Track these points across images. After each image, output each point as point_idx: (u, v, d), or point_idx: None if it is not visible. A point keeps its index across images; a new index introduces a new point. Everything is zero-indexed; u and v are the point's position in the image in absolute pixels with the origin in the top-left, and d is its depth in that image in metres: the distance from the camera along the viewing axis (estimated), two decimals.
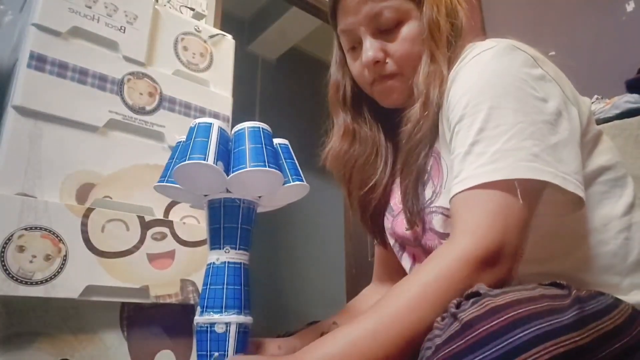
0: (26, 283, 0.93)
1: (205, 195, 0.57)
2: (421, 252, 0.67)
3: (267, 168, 0.52)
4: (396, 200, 0.71)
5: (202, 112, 1.31)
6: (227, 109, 1.37)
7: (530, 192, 0.50)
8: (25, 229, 0.95)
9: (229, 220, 0.55)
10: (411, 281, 0.48)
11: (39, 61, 1.04)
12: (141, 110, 1.19)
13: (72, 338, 1.02)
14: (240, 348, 0.52)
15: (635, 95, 1.25)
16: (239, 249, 0.55)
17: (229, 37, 1.46)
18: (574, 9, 1.51)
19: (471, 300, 0.40)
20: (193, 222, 1.23)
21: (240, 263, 0.55)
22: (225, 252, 0.54)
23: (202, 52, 1.37)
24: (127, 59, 1.19)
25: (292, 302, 2.98)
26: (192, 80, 1.31)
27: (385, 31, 0.65)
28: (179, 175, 0.53)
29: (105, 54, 1.16)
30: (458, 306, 0.41)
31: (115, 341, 1.08)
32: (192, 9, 1.52)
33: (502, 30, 0.77)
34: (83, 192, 1.07)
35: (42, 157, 1.02)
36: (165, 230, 1.15)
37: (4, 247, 0.92)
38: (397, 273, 0.77)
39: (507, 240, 0.47)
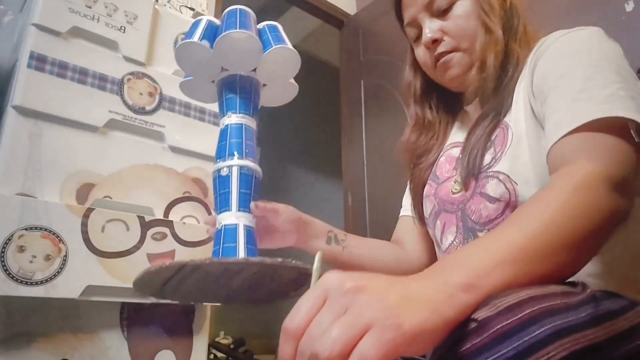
0: (26, 283, 0.93)
1: (222, 70, 0.65)
2: (454, 218, 0.70)
3: (237, 30, 0.59)
4: (443, 170, 0.76)
5: (202, 112, 1.31)
6: None
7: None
8: (26, 229, 0.95)
9: (228, 93, 0.64)
10: (553, 191, 0.48)
11: (39, 61, 1.04)
12: (141, 110, 1.19)
13: (72, 338, 1.02)
14: (244, 187, 0.60)
15: None
16: (238, 113, 0.63)
17: None
18: (572, 9, 1.51)
19: (483, 301, 0.40)
20: (193, 222, 1.23)
21: (241, 124, 0.63)
22: (228, 117, 0.62)
23: None
24: (127, 59, 1.19)
25: (292, 302, 2.98)
26: None
27: (442, 13, 0.71)
28: (180, 59, 0.62)
29: (105, 54, 1.16)
30: None
31: (115, 341, 1.08)
32: (192, 9, 1.52)
33: None
34: (83, 192, 1.07)
35: (42, 157, 1.02)
36: (165, 230, 1.15)
37: (4, 247, 0.92)
38: (415, 243, 0.84)
39: (629, 173, 0.48)
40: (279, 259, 0.48)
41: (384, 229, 0.85)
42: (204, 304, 1.21)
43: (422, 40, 0.74)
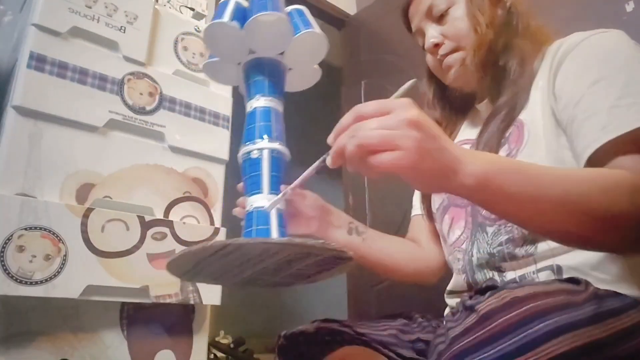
0: (26, 283, 0.93)
1: (239, 64, 0.65)
2: (463, 213, 0.72)
3: (268, 12, 0.58)
4: None
5: (202, 112, 1.31)
6: (227, 109, 1.37)
7: None
8: (25, 229, 0.95)
9: (256, 75, 0.63)
10: (604, 171, 0.51)
11: (39, 61, 1.04)
12: (141, 110, 1.19)
13: (72, 338, 1.02)
14: (275, 170, 0.59)
15: None
16: (267, 96, 0.62)
17: None
18: (572, 9, 1.51)
19: (488, 292, 0.41)
20: (193, 222, 1.23)
21: (269, 107, 0.62)
22: (256, 100, 0.62)
23: (202, 52, 1.37)
24: (127, 59, 1.19)
25: (292, 302, 2.98)
26: (192, 80, 1.31)
27: (440, 18, 0.76)
28: (209, 39, 0.62)
29: (105, 54, 1.16)
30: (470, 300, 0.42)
31: (115, 341, 1.08)
32: (192, 9, 1.52)
33: None
34: (83, 192, 1.07)
35: (42, 157, 1.02)
36: (165, 230, 1.15)
37: (3, 247, 0.92)
38: (427, 239, 0.87)
39: None
40: (320, 241, 0.49)
41: (384, 229, 0.85)
42: (205, 302, 1.21)
43: (425, 46, 0.78)
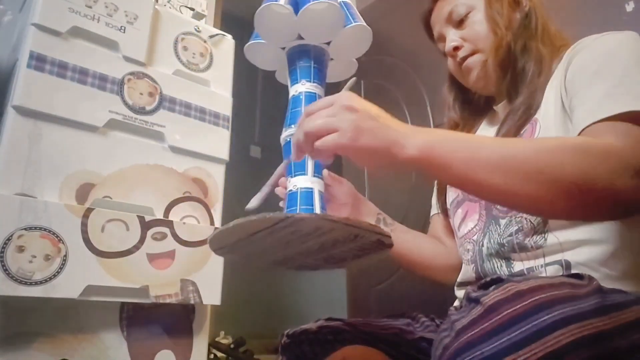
0: (26, 283, 0.93)
1: (283, 49, 0.67)
2: (477, 207, 0.74)
3: (324, 0, 0.60)
4: None
5: (202, 112, 1.31)
6: (227, 109, 1.37)
7: None
8: (25, 229, 0.95)
9: (303, 60, 0.65)
10: (563, 139, 0.54)
11: (39, 61, 1.04)
12: (141, 110, 1.19)
13: (71, 338, 1.02)
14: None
15: None
16: (312, 82, 0.64)
17: (229, 37, 1.45)
18: (572, 9, 1.51)
19: (493, 286, 0.41)
20: (193, 222, 1.23)
21: (315, 93, 0.64)
22: (302, 85, 0.64)
23: (202, 52, 1.37)
24: (127, 59, 1.19)
25: (292, 302, 2.98)
26: (192, 80, 1.31)
27: (460, 22, 0.79)
28: (260, 20, 0.63)
29: (105, 54, 1.16)
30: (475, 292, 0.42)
31: (115, 341, 1.08)
32: (192, 9, 1.52)
33: None
34: (83, 192, 1.07)
35: (42, 157, 1.02)
36: (165, 230, 1.15)
37: (3, 247, 0.92)
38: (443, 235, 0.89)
39: None
40: (372, 224, 0.52)
41: None
42: (205, 302, 1.21)
43: (445, 50, 0.80)
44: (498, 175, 0.47)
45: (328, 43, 0.67)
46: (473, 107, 0.87)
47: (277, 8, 0.62)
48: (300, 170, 0.61)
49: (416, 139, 0.49)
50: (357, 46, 0.68)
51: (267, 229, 0.50)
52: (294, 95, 0.64)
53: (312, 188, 0.60)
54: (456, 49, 0.79)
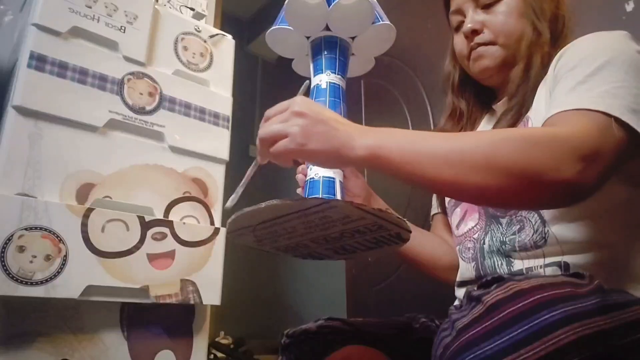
0: (26, 283, 0.93)
1: (308, 38, 0.68)
2: (476, 207, 0.74)
3: None
4: None
5: (202, 112, 1.31)
6: (227, 109, 1.37)
7: (621, 140, 0.52)
8: (26, 229, 0.95)
9: (329, 52, 0.66)
10: (509, 130, 0.56)
11: (39, 61, 1.04)
12: (141, 110, 1.19)
13: (72, 338, 1.02)
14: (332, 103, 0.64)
15: None
16: (337, 74, 0.65)
17: (229, 37, 1.45)
18: (573, 8, 1.51)
19: (494, 285, 0.41)
20: (193, 222, 1.23)
21: (339, 85, 0.65)
22: (327, 75, 0.65)
23: (202, 52, 1.37)
24: (127, 59, 1.19)
25: (292, 302, 2.98)
26: (192, 80, 1.31)
27: (487, 6, 0.75)
28: (291, 8, 0.65)
29: (105, 54, 1.16)
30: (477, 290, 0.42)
31: (115, 341, 1.08)
32: (192, 9, 1.52)
33: None
34: (83, 192, 1.07)
35: (42, 157, 1.02)
36: (165, 230, 1.15)
37: (4, 247, 0.92)
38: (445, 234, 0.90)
39: (601, 152, 0.49)
40: (396, 215, 0.53)
41: None
42: (205, 303, 1.21)
43: (463, 29, 0.77)
44: (445, 169, 0.48)
45: (353, 38, 0.67)
46: (475, 97, 0.85)
47: (276, 31, 0.64)
48: None
49: (364, 140, 0.50)
50: (380, 44, 0.69)
51: (299, 211, 0.52)
52: (317, 84, 0.65)
53: (334, 178, 0.62)
54: (474, 32, 0.75)
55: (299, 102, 0.52)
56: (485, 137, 0.50)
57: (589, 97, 0.54)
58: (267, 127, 0.52)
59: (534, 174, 0.47)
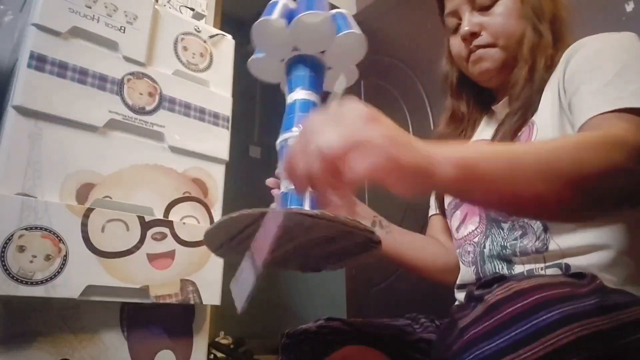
0: (26, 283, 0.93)
1: (282, 61, 0.68)
2: (476, 210, 0.73)
3: (314, 11, 0.60)
4: None
5: (202, 112, 1.31)
6: (227, 109, 1.37)
7: None
8: (26, 229, 0.95)
9: (298, 70, 0.66)
10: (575, 134, 0.53)
11: (39, 61, 1.04)
12: (141, 110, 1.19)
13: (72, 338, 1.02)
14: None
15: None
16: (307, 90, 0.65)
17: (229, 37, 1.45)
18: (573, 8, 1.51)
19: (495, 284, 0.41)
20: (193, 222, 1.23)
21: (309, 99, 0.64)
22: (296, 93, 0.65)
23: (202, 52, 1.37)
24: (127, 59, 1.19)
25: (292, 302, 2.98)
26: (192, 80, 1.31)
27: (483, 8, 0.74)
28: (257, 35, 0.65)
29: (105, 54, 1.16)
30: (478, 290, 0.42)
31: (115, 341, 1.08)
32: (192, 9, 1.52)
33: None
34: (83, 192, 1.07)
35: (42, 157, 1.02)
36: (165, 230, 1.15)
37: (4, 247, 0.92)
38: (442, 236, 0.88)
39: None
40: (352, 219, 0.48)
41: None
42: (205, 303, 1.21)
43: (460, 32, 0.76)
44: (539, 183, 0.43)
45: (326, 52, 0.68)
46: (474, 98, 0.85)
47: (272, 22, 0.63)
48: None
49: (449, 157, 0.41)
50: (351, 53, 0.68)
51: (251, 225, 0.49)
52: (289, 103, 0.66)
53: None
54: (472, 35, 0.74)
55: (357, 104, 0.39)
56: (566, 145, 0.47)
57: (622, 97, 0.55)
58: (329, 139, 0.36)
59: (600, 180, 0.45)
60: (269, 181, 0.69)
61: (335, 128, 0.37)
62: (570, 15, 0.76)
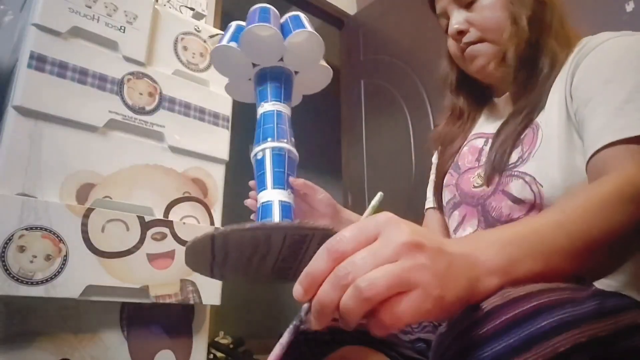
0: (27, 283, 0.93)
1: (254, 66, 0.68)
2: (475, 212, 0.71)
3: (257, 24, 0.61)
4: (465, 160, 0.77)
5: (202, 112, 1.31)
6: (227, 109, 1.37)
7: None
8: (26, 229, 0.95)
9: (259, 85, 0.68)
10: (592, 189, 0.50)
11: (39, 61, 1.04)
12: (141, 110, 1.19)
13: (72, 338, 1.02)
14: (277, 166, 0.63)
15: None
16: (270, 101, 0.66)
17: None
18: (572, 9, 1.51)
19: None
20: (193, 222, 1.23)
21: (273, 110, 0.66)
22: (261, 107, 0.66)
23: (202, 52, 1.37)
24: (127, 59, 1.19)
25: (292, 302, 2.98)
26: (192, 80, 1.32)
27: (468, 4, 0.73)
28: (216, 64, 0.66)
29: (105, 54, 1.16)
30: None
31: (115, 341, 1.08)
32: (192, 9, 1.52)
33: None
34: (83, 192, 1.07)
35: (42, 157, 1.02)
36: (165, 230, 1.15)
37: (4, 247, 0.92)
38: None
39: None
40: (311, 222, 0.49)
41: None
42: (205, 303, 1.21)
43: (448, 32, 0.75)
44: (575, 263, 0.44)
45: (284, 58, 0.68)
46: (473, 94, 0.84)
47: (222, 48, 0.65)
48: (262, 187, 0.61)
49: (493, 265, 0.38)
50: (309, 52, 0.67)
51: (216, 247, 0.49)
52: (258, 118, 0.66)
53: (271, 200, 0.60)
54: (460, 33, 0.73)
55: (398, 224, 0.34)
56: (590, 208, 0.46)
57: (632, 126, 0.53)
58: (373, 276, 0.32)
59: (631, 239, 0.46)
60: (248, 202, 0.70)
61: (376, 259, 0.33)
62: (564, 6, 0.74)
